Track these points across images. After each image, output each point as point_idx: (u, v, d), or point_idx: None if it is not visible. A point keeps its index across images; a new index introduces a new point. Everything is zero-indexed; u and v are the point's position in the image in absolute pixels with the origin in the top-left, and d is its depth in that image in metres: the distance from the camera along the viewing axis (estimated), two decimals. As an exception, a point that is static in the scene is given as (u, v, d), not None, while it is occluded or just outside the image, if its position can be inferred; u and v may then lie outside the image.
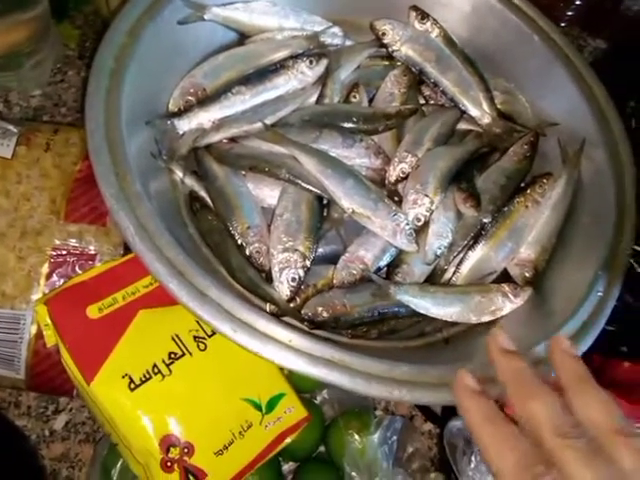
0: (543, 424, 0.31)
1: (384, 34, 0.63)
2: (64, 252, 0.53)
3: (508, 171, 0.58)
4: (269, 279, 0.50)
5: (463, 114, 0.62)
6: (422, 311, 0.49)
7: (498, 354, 0.36)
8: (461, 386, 0.35)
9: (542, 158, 0.61)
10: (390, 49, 0.63)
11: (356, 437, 0.53)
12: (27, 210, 0.53)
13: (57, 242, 0.52)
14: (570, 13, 0.89)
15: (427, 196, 0.52)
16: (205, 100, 0.57)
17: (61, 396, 0.59)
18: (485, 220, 0.55)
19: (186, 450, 0.46)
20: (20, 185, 0.53)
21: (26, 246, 0.52)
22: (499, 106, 0.64)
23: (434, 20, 0.64)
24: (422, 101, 0.65)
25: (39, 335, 0.51)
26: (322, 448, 0.58)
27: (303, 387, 0.56)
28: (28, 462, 0.56)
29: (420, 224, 0.52)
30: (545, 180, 0.57)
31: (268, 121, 0.55)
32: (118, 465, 0.52)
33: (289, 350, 0.39)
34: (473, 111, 0.62)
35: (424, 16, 0.64)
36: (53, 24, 0.72)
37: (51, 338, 0.50)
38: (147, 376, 0.47)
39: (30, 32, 0.68)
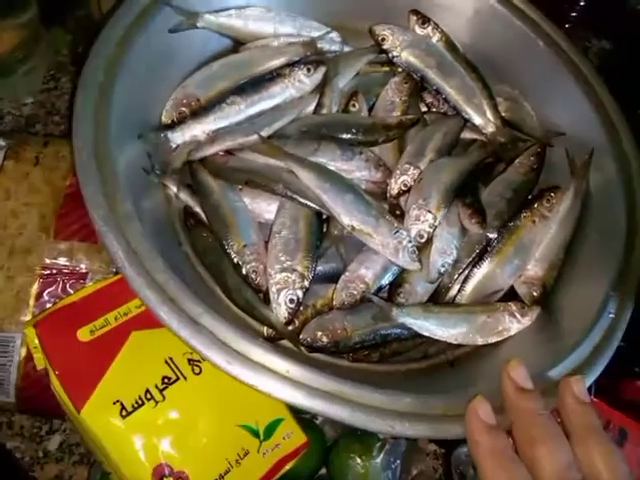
0: (547, 475, 0.31)
1: (384, 39, 0.61)
2: (54, 271, 0.51)
3: (514, 184, 0.56)
4: (267, 300, 0.48)
5: (466, 122, 0.60)
6: (425, 333, 0.47)
7: (512, 390, 0.35)
8: (475, 417, 0.34)
9: (548, 169, 0.59)
10: (390, 55, 0.61)
11: (358, 461, 0.52)
12: (15, 228, 0.51)
13: (47, 261, 0.51)
14: (574, 14, 0.87)
15: (430, 212, 0.50)
16: (199, 111, 0.55)
17: (53, 418, 0.58)
18: (491, 236, 0.53)
19: (180, 480, 0.44)
20: (8, 201, 0.52)
21: (15, 265, 0.50)
22: (503, 114, 0.62)
23: (435, 24, 0.62)
24: (424, 108, 0.63)
25: (29, 357, 0.49)
26: (324, 470, 0.56)
27: (303, 408, 0.54)
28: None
29: (423, 241, 0.50)
30: (553, 194, 0.55)
31: (264, 133, 0.53)
32: (112, 490, 0.51)
33: (286, 382, 0.37)
34: (477, 119, 0.60)
35: (425, 20, 0.62)
36: (44, 30, 0.70)
37: (41, 361, 0.48)
38: (140, 402, 0.45)
39: (20, 38, 0.67)
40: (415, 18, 0.62)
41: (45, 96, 0.72)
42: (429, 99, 0.63)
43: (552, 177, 0.59)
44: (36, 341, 0.47)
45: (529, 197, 0.57)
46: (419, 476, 0.54)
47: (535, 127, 0.61)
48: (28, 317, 0.50)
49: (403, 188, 0.53)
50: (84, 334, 0.47)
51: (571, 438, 0.33)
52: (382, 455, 0.52)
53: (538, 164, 0.58)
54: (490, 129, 0.60)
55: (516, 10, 0.63)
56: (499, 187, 0.56)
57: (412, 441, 0.57)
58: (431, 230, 0.50)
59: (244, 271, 0.48)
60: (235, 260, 0.49)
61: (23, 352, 0.49)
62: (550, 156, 0.60)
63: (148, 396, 0.45)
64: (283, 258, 0.48)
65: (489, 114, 0.60)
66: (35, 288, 0.50)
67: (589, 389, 0.44)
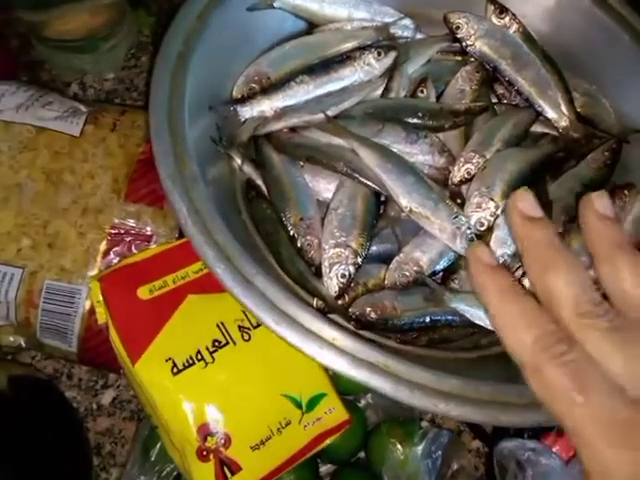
0: (562, 300, 0.28)
1: (458, 28, 0.60)
2: (122, 231, 0.53)
3: (585, 179, 0.53)
4: (319, 274, 0.48)
5: (539, 116, 0.58)
6: (478, 322, 0.46)
7: (520, 220, 0.31)
8: (476, 259, 0.32)
9: (623, 168, 0.56)
10: (464, 44, 0.60)
11: (398, 447, 0.51)
12: (91, 188, 0.54)
13: (116, 221, 0.53)
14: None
15: (492, 200, 0.49)
16: (269, 88, 0.56)
17: (110, 372, 0.60)
18: (556, 230, 0.51)
19: (223, 441, 0.45)
20: (86, 163, 0.54)
21: (87, 223, 0.53)
22: (579, 109, 0.59)
23: (513, 15, 0.60)
24: (495, 100, 0.61)
25: (92, 311, 0.52)
26: (362, 454, 0.56)
27: (346, 388, 0.54)
28: (75, 433, 0.57)
29: (483, 229, 0.48)
30: (626, 191, 0.52)
31: (330, 112, 0.53)
32: (157, 446, 0.53)
33: (332, 349, 0.37)
34: (550, 113, 0.58)
35: (503, 10, 0.61)
36: (129, 10, 0.74)
37: (102, 315, 0.51)
38: (190, 362, 0.47)
39: (108, 16, 0.70)
40: (492, 7, 0.61)
41: (125, 73, 0.76)
42: (500, 90, 0.61)
43: (626, 178, 0.56)
44: (100, 296, 0.50)
45: (600, 194, 0.54)
46: (460, 471, 0.52)
47: (612, 125, 0.58)
48: (95, 272, 0.52)
49: (466, 176, 0.52)
50: (144, 292, 0.50)
51: (595, 259, 0.29)
52: (423, 443, 0.51)
53: (612, 160, 0.55)
54: (564, 123, 0.57)
55: (601, 2, 0.60)
56: (569, 181, 0.53)
57: (455, 434, 0.56)
58: (492, 219, 0.49)
59: (299, 243, 0.49)
60: (291, 232, 0.49)
61: (87, 305, 0.52)
62: (625, 155, 0.57)
63: (199, 357, 0.47)
64: (338, 234, 0.48)
65: (564, 108, 0.58)
66: (103, 245, 0.53)
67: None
